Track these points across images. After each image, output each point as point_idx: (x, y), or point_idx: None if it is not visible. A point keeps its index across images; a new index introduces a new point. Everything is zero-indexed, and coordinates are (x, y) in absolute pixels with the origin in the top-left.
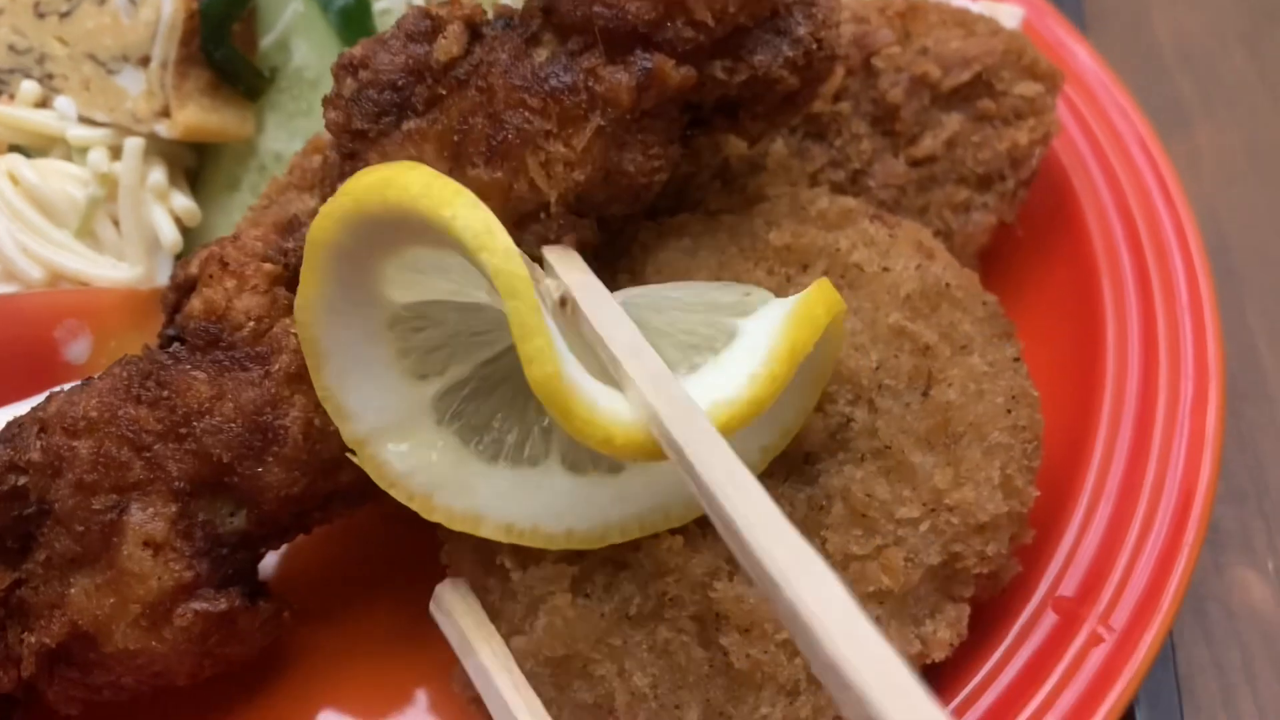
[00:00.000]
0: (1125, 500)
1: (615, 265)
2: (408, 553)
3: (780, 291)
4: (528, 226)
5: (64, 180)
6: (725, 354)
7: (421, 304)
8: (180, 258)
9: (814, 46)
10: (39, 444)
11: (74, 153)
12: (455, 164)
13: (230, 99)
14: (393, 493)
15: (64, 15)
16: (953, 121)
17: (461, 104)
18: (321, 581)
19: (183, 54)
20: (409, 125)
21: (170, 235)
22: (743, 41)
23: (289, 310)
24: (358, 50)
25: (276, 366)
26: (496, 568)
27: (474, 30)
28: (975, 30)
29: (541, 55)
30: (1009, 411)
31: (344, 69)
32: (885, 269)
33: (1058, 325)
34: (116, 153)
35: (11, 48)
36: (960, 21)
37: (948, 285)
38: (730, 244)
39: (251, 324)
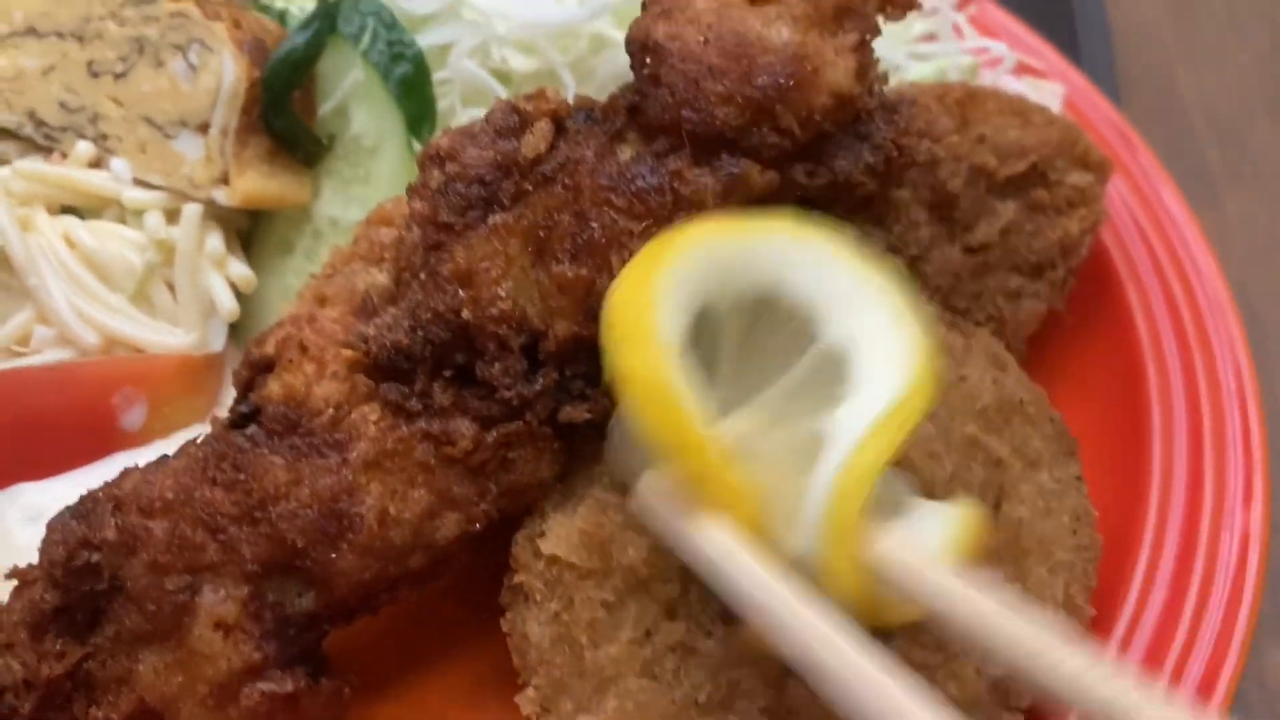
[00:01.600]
0: (1175, 596)
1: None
2: (464, 628)
3: None
4: None
5: (120, 244)
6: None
7: None
8: (233, 325)
9: (894, 153)
10: (114, 522)
11: (129, 215)
12: (539, 259)
13: (288, 165)
14: None
15: (119, 76)
16: (1007, 210)
17: (548, 200)
18: (378, 653)
19: (243, 122)
20: (495, 219)
21: (228, 303)
22: (824, 146)
23: (367, 397)
24: (444, 141)
25: (354, 454)
26: (567, 642)
27: (559, 124)
28: (1031, 119)
29: (626, 153)
30: (1074, 531)
31: (431, 160)
32: (961, 378)
33: (1103, 412)
34: (171, 216)
35: (63, 105)
36: (1017, 110)
37: (1021, 401)
38: None
39: (330, 410)
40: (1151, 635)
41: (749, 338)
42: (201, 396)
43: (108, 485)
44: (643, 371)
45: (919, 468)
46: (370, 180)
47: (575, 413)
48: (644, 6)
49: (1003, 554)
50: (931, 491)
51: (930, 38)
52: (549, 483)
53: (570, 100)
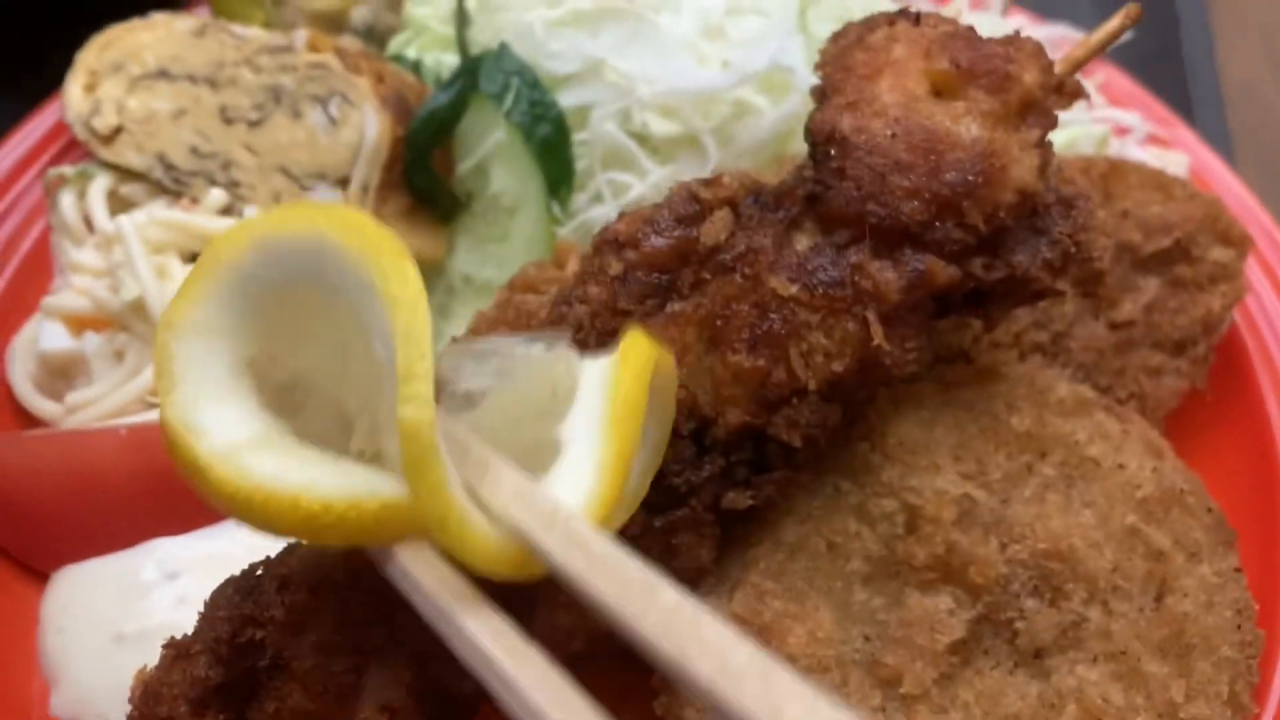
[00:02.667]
0: None
1: (851, 430)
2: (621, 706)
3: (1020, 483)
4: (778, 410)
5: None
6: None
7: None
8: None
9: (1072, 249)
10: (281, 600)
11: None
12: (713, 347)
13: (425, 222)
14: (251, 500)
15: (253, 124)
16: (1150, 286)
17: (726, 289)
18: None
19: (385, 179)
20: (673, 307)
21: None
22: (1003, 240)
23: None
24: (623, 227)
25: None
26: None
27: (735, 210)
28: (1174, 194)
29: (804, 243)
30: (1238, 626)
31: (609, 245)
32: (1120, 465)
33: (1233, 491)
34: None
35: (194, 150)
36: (1159, 184)
37: (1181, 491)
38: (970, 423)
39: None
40: None
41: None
42: None
43: (270, 563)
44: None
45: (1081, 557)
46: (507, 239)
47: (738, 499)
48: (822, 94)
49: (1166, 649)
50: (1094, 583)
51: None
52: (707, 567)
53: (709, 173)
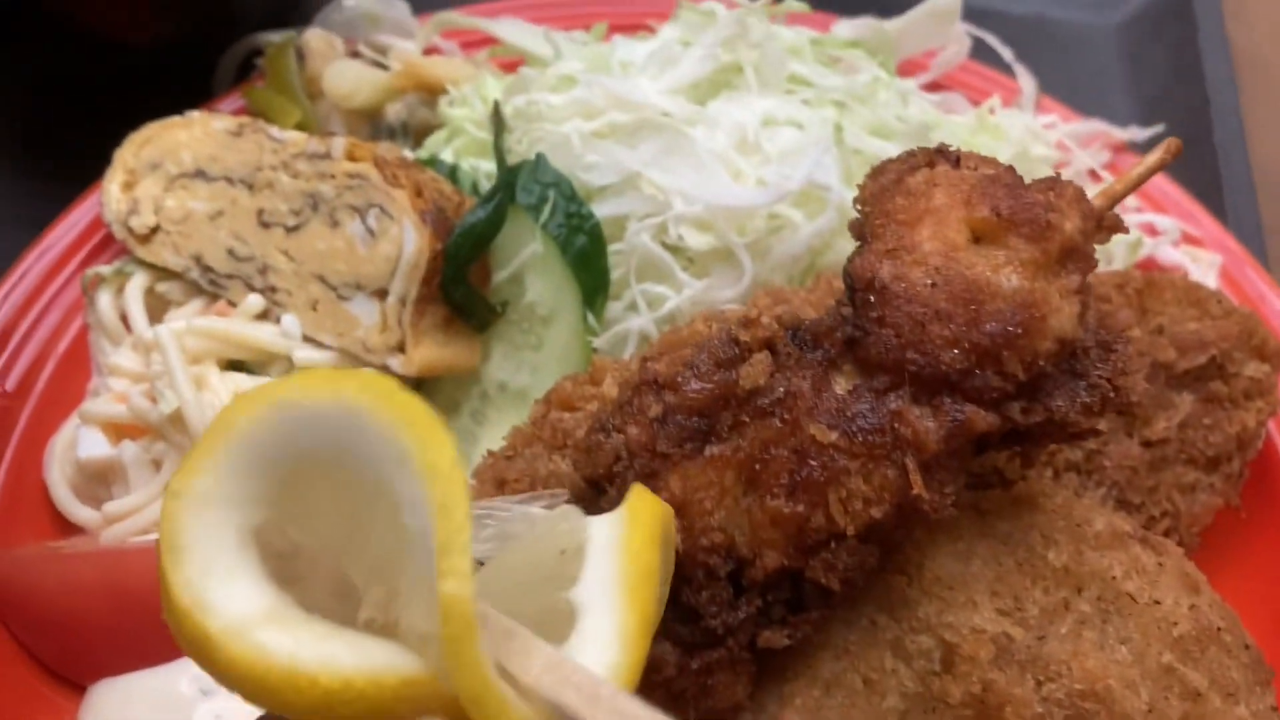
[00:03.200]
0: None
1: (887, 562)
2: None
3: (1057, 619)
4: (816, 554)
5: None
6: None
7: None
8: None
9: (1111, 394)
10: None
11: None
12: (751, 489)
13: (461, 332)
14: (266, 678)
15: (290, 229)
16: (1184, 403)
17: (765, 433)
18: None
19: (423, 292)
20: (712, 450)
21: None
22: (1041, 384)
23: None
24: (663, 368)
25: None
26: None
27: (774, 350)
28: (1209, 310)
29: (842, 385)
30: None
31: (648, 387)
32: (1156, 601)
33: (1270, 612)
34: None
35: (231, 253)
36: (1195, 300)
37: (1219, 630)
38: (1007, 556)
39: None
40: None
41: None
42: None
43: None
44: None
45: (1117, 696)
46: (542, 347)
47: (775, 638)
48: (860, 233)
49: None
50: None
51: None
52: (743, 703)
53: (744, 288)
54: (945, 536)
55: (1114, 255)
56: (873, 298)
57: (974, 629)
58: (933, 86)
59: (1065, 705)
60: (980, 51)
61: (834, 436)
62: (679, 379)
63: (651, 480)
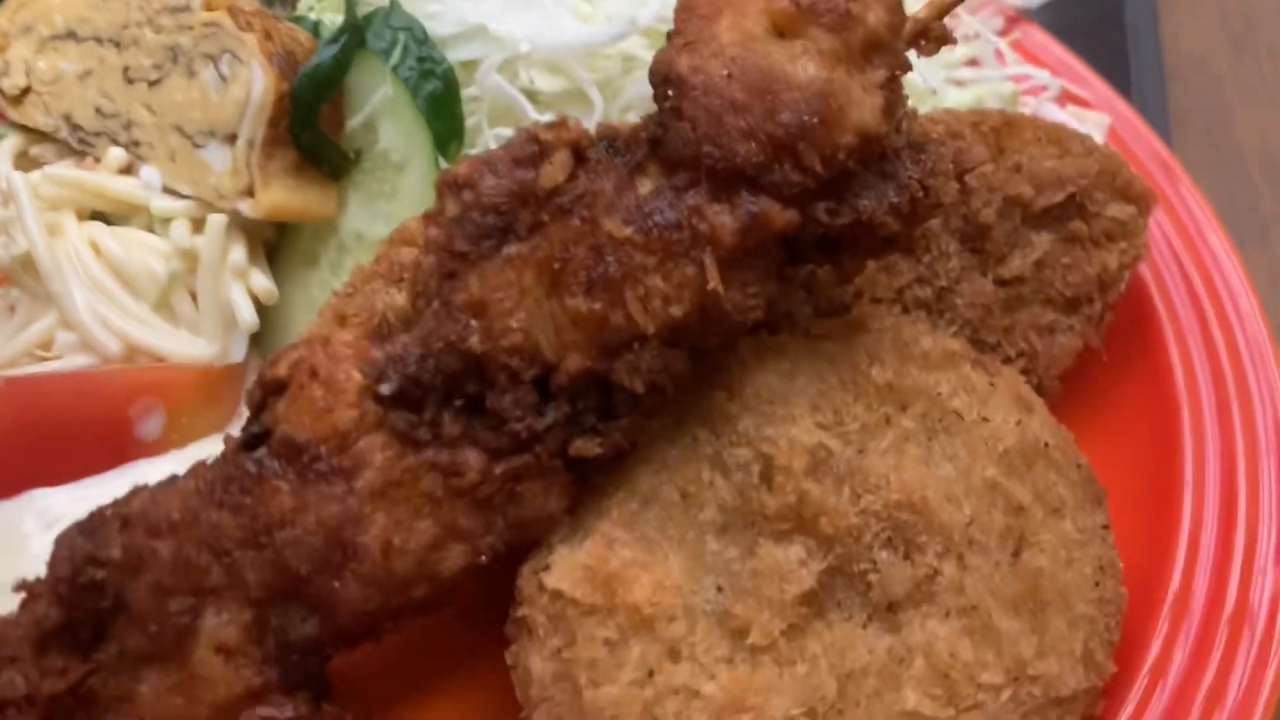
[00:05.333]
0: (1198, 655)
1: (712, 380)
2: (474, 654)
3: (878, 434)
4: (620, 356)
5: (145, 252)
6: None
7: None
8: (254, 335)
9: (920, 193)
10: (120, 541)
11: (156, 223)
12: (553, 291)
13: (314, 179)
14: None
15: (153, 84)
16: (1043, 242)
17: (564, 232)
18: (384, 681)
19: (270, 134)
20: (510, 250)
21: (248, 315)
22: (848, 184)
23: (376, 425)
24: (463, 169)
25: (360, 483)
26: (568, 680)
27: (579, 154)
28: (1070, 149)
29: (646, 187)
30: (1096, 584)
31: (448, 188)
32: (984, 419)
33: (1134, 457)
34: (197, 225)
35: (99, 110)
36: (1055, 139)
37: (1046, 445)
38: (831, 374)
39: (337, 437)
40: (1172, 695)
41: None
42: (220, 407)
43: (117, 503)
44: None
45: (934, 509)
46: (397, 196)
47: (586, 447)
48: (668, 36)
49: (1020, 605)
50: (949, 536)
51: (972, 63)
52: (558, 516)
53: (594, 126)
54: (771, 356)
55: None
56: (671, 91)
57: (791, 441)
58: None
59: (882, 517)
60: None
61: (629, 232)
62: (476, 176)
63: (451, 281)
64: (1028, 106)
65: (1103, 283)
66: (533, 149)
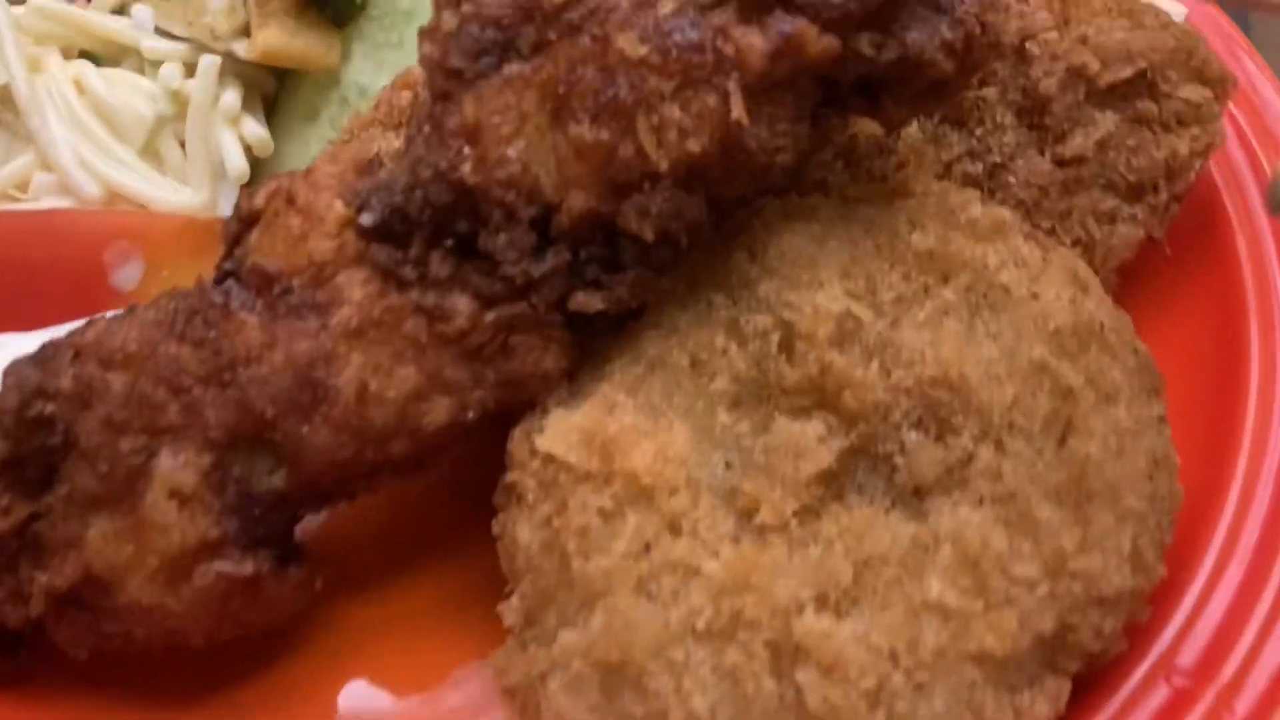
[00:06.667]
0: (1259, 563)
1: (732, 241)
2: (459, 527)
3: (915, 306)
4: (628, 196)
5: (132, 94)
6: None
7: None
8: (247, 187)
9: (977, 30)
10: (71, 371)
11: (146, 65)
12: (557, 119)
13: (316, 24)
14: None
15: None
16: (1107, 121)
17: (571, 52)
18: (363, 548)
19: None
20: (510, 69)
21: (237, 163)
22: (896, 15)
23: (356, 258)
24: None
25: (335, 319)
26: (556, 550)
27: None
28: (1142, 22)
29: (668, 5)
30: (1150, 478)
31: (446, 1)
32: (1034, 295)
33: (1196, 360)
34: (191, 70)
35: None
36: (1126, 11)
37: (1101, 326)
38: (866, 238)
39: (313, 269)
40: (1225, 612)
41: None
42: (205, 261)
43: (71, 333)
44: None
45: (974, 387)
46: (403, 45)
47: (588, 301)
48: None
49: (1063, 495)
50: (988, 418)
51: None
52: (555, 377)
53: None
54: (801, 218)
55: None
56: None
57: (817, 308)
58: None
59: (914, 394)
60: None
61: (645, 51)
62: None
63: (444, 103)
64: None
65: (1170, 170)
66: None
